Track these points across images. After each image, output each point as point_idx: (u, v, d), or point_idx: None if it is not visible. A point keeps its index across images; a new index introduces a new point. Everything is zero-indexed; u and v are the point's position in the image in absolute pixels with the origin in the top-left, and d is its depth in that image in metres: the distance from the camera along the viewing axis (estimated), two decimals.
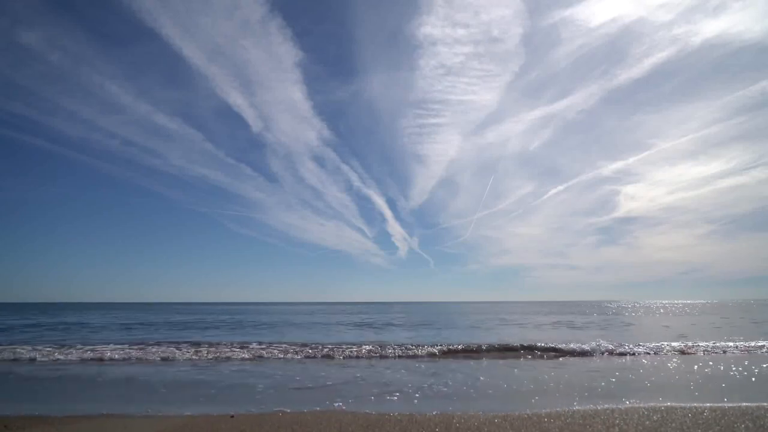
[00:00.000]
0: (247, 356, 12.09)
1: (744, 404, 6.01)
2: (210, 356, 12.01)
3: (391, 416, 5.50)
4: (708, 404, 5.99)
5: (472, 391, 7.38)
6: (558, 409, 5.79)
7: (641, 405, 5.97)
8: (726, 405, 5.95)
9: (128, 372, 9.82)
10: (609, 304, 71.69)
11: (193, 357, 11.94)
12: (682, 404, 6.00)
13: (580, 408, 5.82)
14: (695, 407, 5.79)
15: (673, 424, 5.02)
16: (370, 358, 12.00)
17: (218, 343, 14.56)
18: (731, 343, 14.05)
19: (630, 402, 6.25)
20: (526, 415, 5.45)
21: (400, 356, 12.14)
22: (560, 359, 11.43)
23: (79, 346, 13.24)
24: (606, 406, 5.94)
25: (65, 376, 9.46)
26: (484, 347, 13.06)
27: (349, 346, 13.23)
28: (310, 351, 12.54)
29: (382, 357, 12.06)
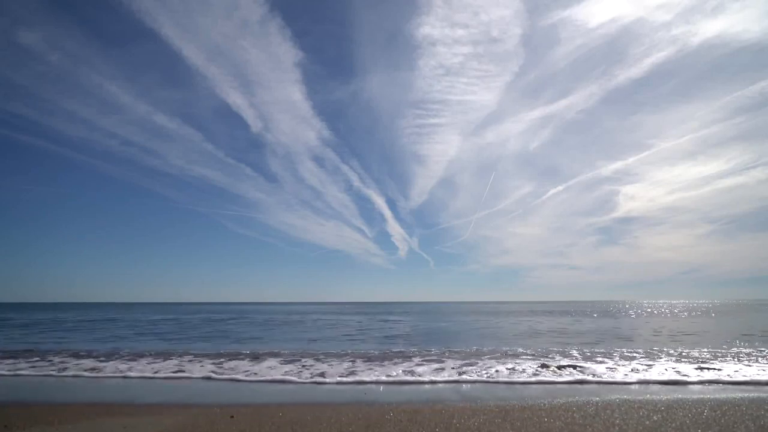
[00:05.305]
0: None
1: (744, 403, 6.02)
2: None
3: (391, 416, 5.50)
4: (708, 404, 6.00)
5: None
6: (558, 405, 5.79)
7: (641, 405, 5.97)
8: (726, 405, 5.95)
9: (128, 372, 9.81)
10: (605, 308, 71.81)
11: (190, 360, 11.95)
12: (682, 404, 6.01)
13: (580, 407, 5.82)
14: (695, 407, 5.80)
15: (673, 424, 5.02)
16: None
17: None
18: None
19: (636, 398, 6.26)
20: (526, 415, 5.46)
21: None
22: None
23: (75, 346, 13.23)
24: (606, 403, 5.95)
25: (65, 375, 9.47)
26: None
27: None
28: None
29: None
